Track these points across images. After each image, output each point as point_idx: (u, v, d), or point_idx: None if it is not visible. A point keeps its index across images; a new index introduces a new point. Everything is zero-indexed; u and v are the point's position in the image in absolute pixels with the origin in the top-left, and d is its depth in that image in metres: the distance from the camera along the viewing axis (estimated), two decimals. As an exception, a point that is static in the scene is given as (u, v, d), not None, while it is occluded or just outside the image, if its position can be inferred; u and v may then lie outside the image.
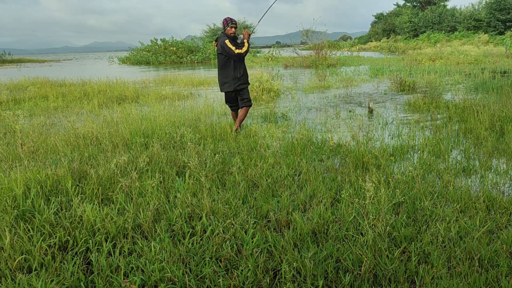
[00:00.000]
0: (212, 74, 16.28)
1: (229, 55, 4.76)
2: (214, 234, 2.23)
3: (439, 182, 3.02)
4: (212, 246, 2.10)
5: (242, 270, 1.89)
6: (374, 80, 11.02)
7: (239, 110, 5.15)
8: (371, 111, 6.30)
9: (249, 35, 5.00)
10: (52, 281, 1.80)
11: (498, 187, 2.96)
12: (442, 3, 51.55)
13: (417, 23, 47.74)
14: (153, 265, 1.90)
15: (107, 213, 2.39)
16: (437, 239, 2.16)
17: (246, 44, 4.84)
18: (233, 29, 4.83)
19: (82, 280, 1.84)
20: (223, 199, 2.66)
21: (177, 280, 1.82)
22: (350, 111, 6.57)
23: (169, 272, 1.87)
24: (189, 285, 1.79)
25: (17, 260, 1.94)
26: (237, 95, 4.99)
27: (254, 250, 2.03)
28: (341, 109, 6.73)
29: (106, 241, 2.17)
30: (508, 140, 4.05)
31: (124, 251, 2.09)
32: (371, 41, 55.63)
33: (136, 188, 2.79)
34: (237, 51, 4.74)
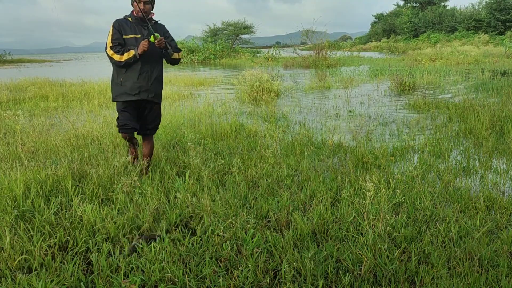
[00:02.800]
0: (212, 74, 16.28)
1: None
2: (214, 234, 2.23)
3: (439, 182, 3.02)
4: (212, 246, 2.10)
5: (242, 270, 1.89)
6: (374, 80, 11.02)
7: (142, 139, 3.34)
8: None
9: (161, 47, 2.98)
10: (52, 281, 1.80)
11: (498, 187, 2.96)
12: (442, 3, 51.55)
13: (417, 23, 47.75)
14: (153, 265, 1.90)
15: (107, 213, 2.39)
16: (437, 239, 2.16)
17: (131, 53, 2.95)
18: (141, 4, 2.95)
19: (82, 280, 1.84)
20: (223, 199, 2.66)
21: (177, 280, 1.82)
22: (350, 111, 6.57)
23: (169, 272, 1.87)
24: (189, 285, 1.79)
25: (17, 260, 1.94)
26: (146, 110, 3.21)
27: (254, 250, 2.03)
28: (341, 109, 6.73)
29: (106, 241, 2.17)
30: (508, 140, 4.05)
31: (124, 251, 2.09)
32: (371, 41, 55.63)
33: (136, 188, 2.79)
34: (111, 53, 2.96)
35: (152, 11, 3.08)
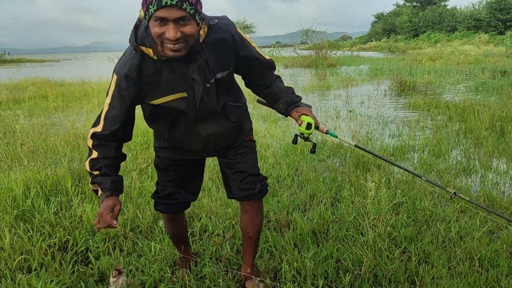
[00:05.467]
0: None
1: None
2: (214, 234, 2.23)
3: (439, 182, 3.02)
4: (212, 246, 2.10)
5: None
6: (374, 80, 11.02)
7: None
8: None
9: None
10: (52, 281, 1.80)
11: (498, 187, 2.96)
12: (442, 3, 51.55)
13: (417, 23, 47.75)
14: (153, 265, 1.90)
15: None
16: (437, 239, 2.16)
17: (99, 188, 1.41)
18: (171, 29, 1.17)
19: (82, 280, 1.83)
20: (223, 199, 2.65)
21: (176, 280, 1.82)
22: (350, 111, 6.57)
23: (169, 272, 1.87)
24: (189, 285, 1.79)
25: (17, 260, 1.94)
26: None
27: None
28: (341, 109, 6.73)
29: (106, 241, 2.17)
30: (509, 140, 4.04)
31: (123, 250, 2.08)
32: (371, 41, 55.61)
33: (136, 188, 2.79)
34: (91, 149, 1.42)
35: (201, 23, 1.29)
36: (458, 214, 2.45)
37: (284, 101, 1.62)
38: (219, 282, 1.80)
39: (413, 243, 2.08)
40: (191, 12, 1.16)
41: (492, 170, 3.33)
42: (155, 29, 1.17)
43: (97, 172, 1.40)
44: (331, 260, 1.94)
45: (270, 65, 1.61)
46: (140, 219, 2.36)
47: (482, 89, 8.08)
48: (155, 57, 1.28)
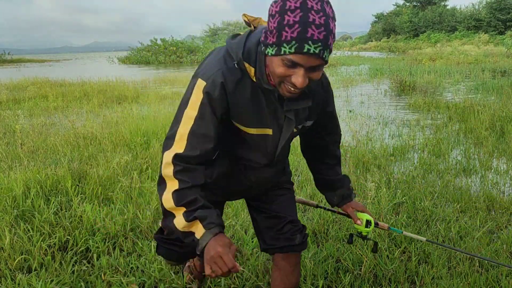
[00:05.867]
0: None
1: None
2: (214, 234, 2.23)
3: (439, 182, 3.02)
4: (212, 246, 2.10)
5: (242, 271, 1.89)
6: (374, 80, 11.02)
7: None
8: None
9: None
10: (52, 281, 1.80)
11: (498, 187, 2.96)
12: (442, 3, 51.54)
13: (417, 23, 47.73)
14: (153, 265, 1.90)
15: (107, 213, 2.39)
16: (438, 239, 2.16)
17: (198, 227, 1.04)
18: (300, 75, 0.98)
19: (81, 280, 1.83)
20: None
21: (176, 280, 1.82)
22: (350, 111, 6.57)
23: (169, 272, 1.87)
24: (189, 285, 1.79)
25: (16, 260, 1.94)
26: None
27: (254, 250, 2.03)
28: (341, 109, 6.72)
29: (106, 241, 2.17)
30: (509, 140, 4.04)
31: (123, 250, 2.08)
32: (371, 41, 55.62)
33: (136, 188, 2.79)
34: (170, 184, 1.06)
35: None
36: (458, 214, 2.45)
37: (340, 195, 1.44)
38: (219, 282, 1.80)
39: (413, 243, 2.08)
40: (327, 58, 1.00)
41: (492, 170, 3.33)
42: (279, 69, 0.97)
43: (193, 206, 1.03)
44: (331, 260, 1.94)
45: (339, 137, 1.42)
46: (140, 219, 2.36)
47: (482, 89, 8.08)
48: (254, 79, 1.06)
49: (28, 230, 2.19)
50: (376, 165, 3.39)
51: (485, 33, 36.61)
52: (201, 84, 1.04)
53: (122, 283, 1.81)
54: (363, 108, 6.84)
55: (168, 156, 1.06)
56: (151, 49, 30.35)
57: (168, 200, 1.05)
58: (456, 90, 8.48)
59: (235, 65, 1.05)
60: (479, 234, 2.14)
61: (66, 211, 2.47)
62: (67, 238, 2.17)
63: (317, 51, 0.94)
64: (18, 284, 1.78)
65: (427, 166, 3.37)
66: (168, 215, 1.07)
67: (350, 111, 6.54)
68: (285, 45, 0.93)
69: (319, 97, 1.21)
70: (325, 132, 1.36)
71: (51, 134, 4.55)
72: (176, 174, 1.05)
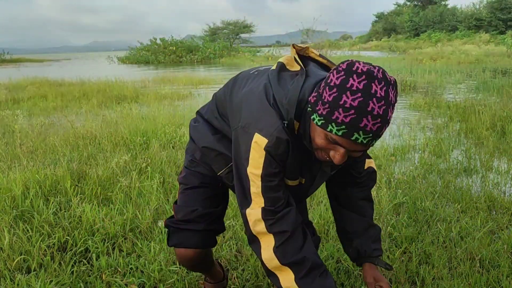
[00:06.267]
0: (212, 73, 16.26)
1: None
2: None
3: (440, 182, 3.01)
4: (212, 246, 2.09)
5: (243, 271, 1.88)
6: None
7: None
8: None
9: None
10: (51, 281, 1.79)
11: (499, 187, 2.95)
12: (443, 2, 51.52)
13: (418, 22, 47.70)
14: (152, 265, 1.89)
15: (107, 213, 2.38)
16: (438, 239, 2.15)
17: None
18: (338, 154, 0.94)
19: (81, 281, 1.83)
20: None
21: (177, 280, 1.81)
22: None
23: (169, 272, 1.86)
24: (188, 285, 1.78)
25: (16, 261, 1.93)
26: None
27: (254, 250, 2.02)
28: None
29: (105, 241, 2.16)
30: (509, 140, 4.03)
31: (123, 251, 2.08)
32: (372, 40, 55.56)
33: (136, 188, 2.78)
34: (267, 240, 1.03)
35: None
36: (459, 215, 2.44)
37: (358, 249, 1.24)
38: (219, 282, 1.79)
39: (413, 243, 2.07)
40: (373, 144, 0.92)
41: (493, 170, 3.32)
42: (320, 141, 0.92)
43: (303, 269, 0.98)
44: (331, 261, 1.94)
45: (370, 176, 1.28)
46: (140, 219, 2.36)
47: (483, 89, 8.07)
48: (296, 133, 1.00)
49: (27, 230, 2.19)
50: (376, 165, 3.38)
51: (486, 33, 36.58)
52: (261, 141, 0.96)
53: (121, 284, 1.80)
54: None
55: (254, 213, 1.02)
56: (151, 48, 30.34)
57: (270, 260, 1.01)
58: (457, 90, 8.47)
59: (285, 124, 0.96)
60: (480, 234, 2.13)
61: (65, 211, 2.46)
62: (66, 238, 2.16)
63: (365, 142, 0.87)
64: (17, 285, 1.77)
65: (428, 166, 3.36)
66: (271, 274, 1.03)
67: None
68: (333, 124, 0.86)
69: None
70: (352, 170, 1.23)
71: (50, 134, 4.54)
72: (270, 228, 1.01)
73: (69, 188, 2.70)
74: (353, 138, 0.86)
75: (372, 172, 1.29)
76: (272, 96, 0.98)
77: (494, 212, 2.52)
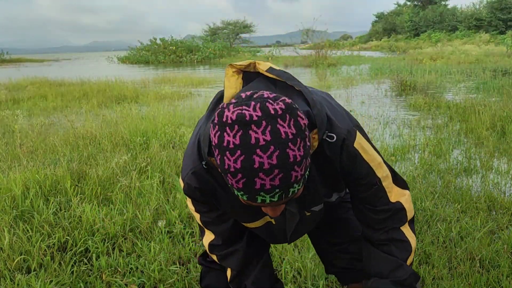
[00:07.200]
0: (212, 73, 16.26)
1: None
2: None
3: (440, 182, 3.01)
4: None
5: None
6: (374, 80, 11.00)
7: None
8: None
9: None
10: (51, 281, 1.79)
11: (499, 187, 2.95)
12: (443, 2, 51.52)
13: (418, 22, 47.70)
14: (152, 265, 1.89)
15: (107, 213, 2.38)
16: (438, 239, 2.15)
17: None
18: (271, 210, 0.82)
19: (81, 281, 1.83)
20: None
21: (176, 280, 1.81)
22: (350, 111, 6.55)
23: (169, 272, 1.86)
24: (188, 285, 1.78)
25: (16, 261, 1.93)
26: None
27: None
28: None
29: (105, 241, 2.16)
30: (510, 140, 4.03)
31: (123, 251, 2.08)
32: (372, 40, 55.55)
33: (136, 188, 2.78)
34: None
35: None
36: (459, 215, 2.44)
37: None
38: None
39: (413, 243, 2.07)
40: (300, 186, 0.74)
41: (493, 170, 3.32)
42: (243, 198, 0.75)
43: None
44: (331, 261, 1.93)
45: (395, 215, 0.97)
46: (140, 219, 2.36)
47: (483, 89, 8.07)
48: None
49: (27, 230, 2.19)
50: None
51: (486, 33, 36.58)
52: (181, 185, 0.95)
53: (121, 284, 1.80)
54: (364, 108, 6.83)
55: (206, 245, 1.05)
56: (151, 48, 30.34)
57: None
58: (457, 90, 8.47)
59: (203, 165, 0.88)
60: (480, 234, 2.13)
61: (65, 211, 2.46)
62: (66, 238, 2.16)
63: (276, 199, 0.71)
64: (17, 285, 1.77)
65: (428, 166, 3.36)
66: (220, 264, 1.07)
67: (350, 111, 6.51)
68: (235, 189, 0.73)
69: (332, 167, 0.90)
70: (365, 206, 0.97)
71: (50, 134, 4.54)
72: (221, 262, 1.04)
73: (69, 188, 2.70)
74: (259, 201, 0.71)
75: (398, 210, 0.96)
76: (197, 133, 0.91)
77: (494, 212, 2.52)
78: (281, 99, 0.70)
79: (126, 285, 1.80)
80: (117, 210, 2.45)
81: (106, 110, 6.62)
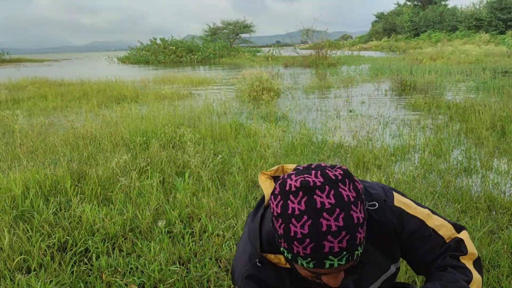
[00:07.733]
0: (212, 73, 16.26)
1: None
2: (214, 234, 2.22)
3: (440, 182, 3.01)
4: (212, 246, 2.09)
5: None
6: (374, 80, 11.00)
7: None
8: None
9: None
10: (51, 281, 1.79)
11: (499, 187, 2.95)
12: (443, 2, 51.52)
13: (418, 22, 47.70)
14: (152, 265, 1.89)
15: (107, 213, 2.38)
16: (438, 239, 2.14)
17: None
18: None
19: (81, 281, 1.82)
20: (223, 199, 2.64)
21: (176, 280, 1.81)
22: (350, 110, 6.56)
23: (169, 272, 1.86)
24: (188, 285, 1.78)
25: (16, 261, 1.93)
26: None
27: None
28: (341, 109, 6.72)
29: (105, 241, 2.16)
30: (509, 140, 4.03)
31: (123, 251, 2.08)
32: (372, 40, 55.54)
33: (135, 188, 2.78)
34: None
35: None
36: (459, 215, 2.44)
37: None
38: (219, 283, 1.79)
39: (413, 243, 2.07)
40: (362, 250, 0.74)
41: (493, 170, 3.31)
42: (304, 272, 0.76)
43: None
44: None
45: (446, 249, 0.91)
46: (140, 219, 2.36)
47: (483, 89, 8.07)
48: (288, 266, 0.86)
49: (27, 230, 2.19)
50: (376, 165, 3.38)
51: (486, 33, 36.58)
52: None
53: (121, 284, 1.80)
54: (364, 108, 6.83)
55: None
56: (151, 48, 30.36)
57: None
58: (457, 90, 8.47)
59: (257, 263, 0.87)
60: (480, 234, 2.13)
61: (65, 211, 2.46)
62: (66, 238, 2.16)
63: (344, 262, 0.71)
64: (17, 285, 1.77)
65: (428, 166, 3.36)
66: None
67: (350, 111, 6.53)
68: (300, 258, 0.72)
69: (386, 232, 0.89)
70: (422, 257, 0.93)
71: (50, 134, 4.54)
72: None
73: (69, 188, 2.70)
74: (327, 266, 0.71)
75: (455, 241, 0.91)
76: (246, 236, 0.92)
77: (494, 212, 2.52)
78: (337, 166, 0.74)
79: (126, 285, 1.80)
80: (117, 210, 2.45)
81: (106, 110, 6.62)
